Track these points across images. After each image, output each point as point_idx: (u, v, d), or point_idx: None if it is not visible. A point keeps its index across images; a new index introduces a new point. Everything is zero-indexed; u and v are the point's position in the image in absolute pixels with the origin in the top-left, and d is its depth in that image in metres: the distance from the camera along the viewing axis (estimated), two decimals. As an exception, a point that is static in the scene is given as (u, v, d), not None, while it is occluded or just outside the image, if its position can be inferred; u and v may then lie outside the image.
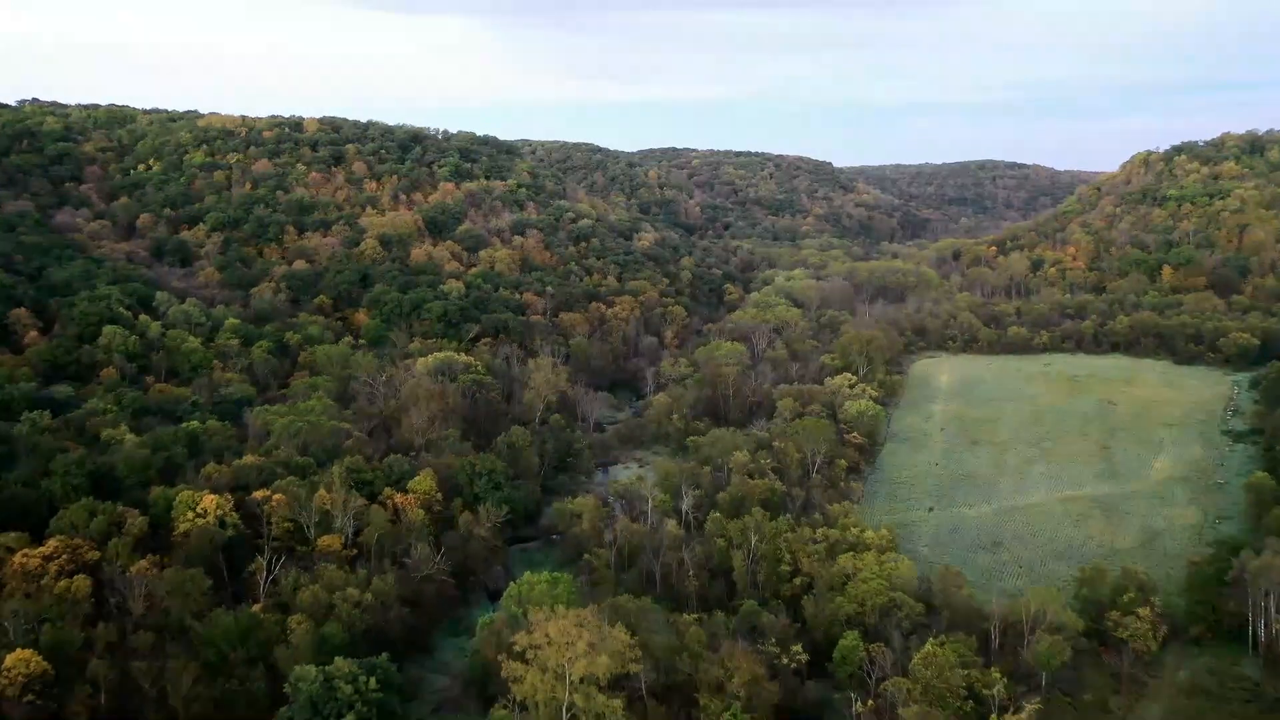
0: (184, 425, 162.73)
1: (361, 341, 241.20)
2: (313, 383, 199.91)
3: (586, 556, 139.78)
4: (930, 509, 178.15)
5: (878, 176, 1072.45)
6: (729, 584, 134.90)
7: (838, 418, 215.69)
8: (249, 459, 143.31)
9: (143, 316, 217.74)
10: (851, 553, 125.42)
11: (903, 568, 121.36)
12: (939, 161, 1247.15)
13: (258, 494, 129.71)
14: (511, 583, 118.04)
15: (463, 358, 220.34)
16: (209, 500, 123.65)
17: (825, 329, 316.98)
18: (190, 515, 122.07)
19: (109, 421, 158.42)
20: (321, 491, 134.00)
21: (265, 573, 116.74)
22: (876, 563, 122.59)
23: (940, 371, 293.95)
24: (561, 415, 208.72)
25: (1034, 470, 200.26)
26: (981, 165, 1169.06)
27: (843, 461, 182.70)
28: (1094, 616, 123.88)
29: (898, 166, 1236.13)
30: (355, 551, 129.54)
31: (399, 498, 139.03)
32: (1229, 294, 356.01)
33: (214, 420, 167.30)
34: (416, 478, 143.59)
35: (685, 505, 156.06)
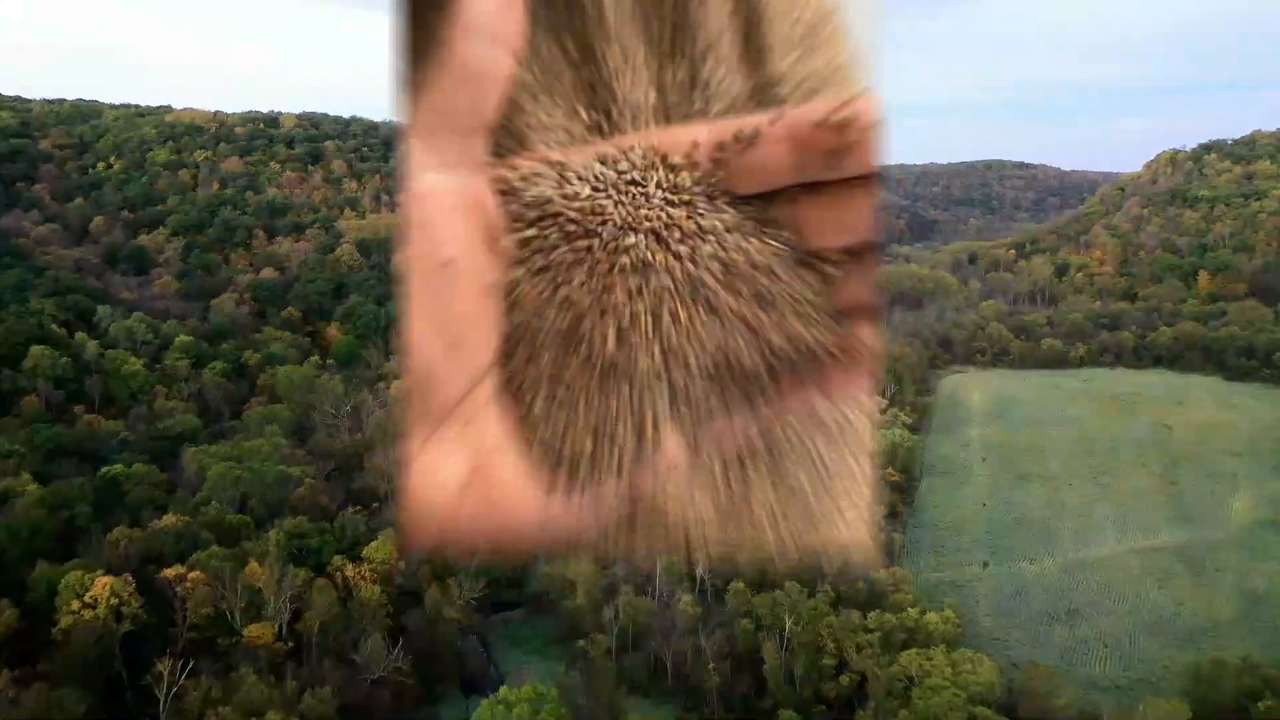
0: (104, 471, 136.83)
1: (330, 361, 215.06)
2: (268, 412, 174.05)
3: (581, 644, 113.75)
4: (985, 564, 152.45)
5: (882, 177, 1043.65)
6: (757, 678, 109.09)
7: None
8: (168, 519, 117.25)
9: (79, 334, 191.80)
10: (915, 650, 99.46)
11: (984, 672, 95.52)
12: (944, 161, 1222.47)
13: (168, 572, 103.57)
14: (484, 699, 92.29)
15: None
16: (102, 585, 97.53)
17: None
18: (76, 605, 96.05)
19: (11, 469, 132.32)
20: (253, 565, 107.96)
21: (167, 684, 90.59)
22: (947, 662, 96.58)
23: (971, 389, 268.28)
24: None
25: (1096, 513, 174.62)
26: (988, 165, 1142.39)
27: (881, 508, 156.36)
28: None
29: (901, 166, 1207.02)
30: (291, 645, 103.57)
31: (351, 569, 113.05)
32: (1274, 302, 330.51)
33: (142, 463, 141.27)
34: (374, 542, 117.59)
35: (700, 570, 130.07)
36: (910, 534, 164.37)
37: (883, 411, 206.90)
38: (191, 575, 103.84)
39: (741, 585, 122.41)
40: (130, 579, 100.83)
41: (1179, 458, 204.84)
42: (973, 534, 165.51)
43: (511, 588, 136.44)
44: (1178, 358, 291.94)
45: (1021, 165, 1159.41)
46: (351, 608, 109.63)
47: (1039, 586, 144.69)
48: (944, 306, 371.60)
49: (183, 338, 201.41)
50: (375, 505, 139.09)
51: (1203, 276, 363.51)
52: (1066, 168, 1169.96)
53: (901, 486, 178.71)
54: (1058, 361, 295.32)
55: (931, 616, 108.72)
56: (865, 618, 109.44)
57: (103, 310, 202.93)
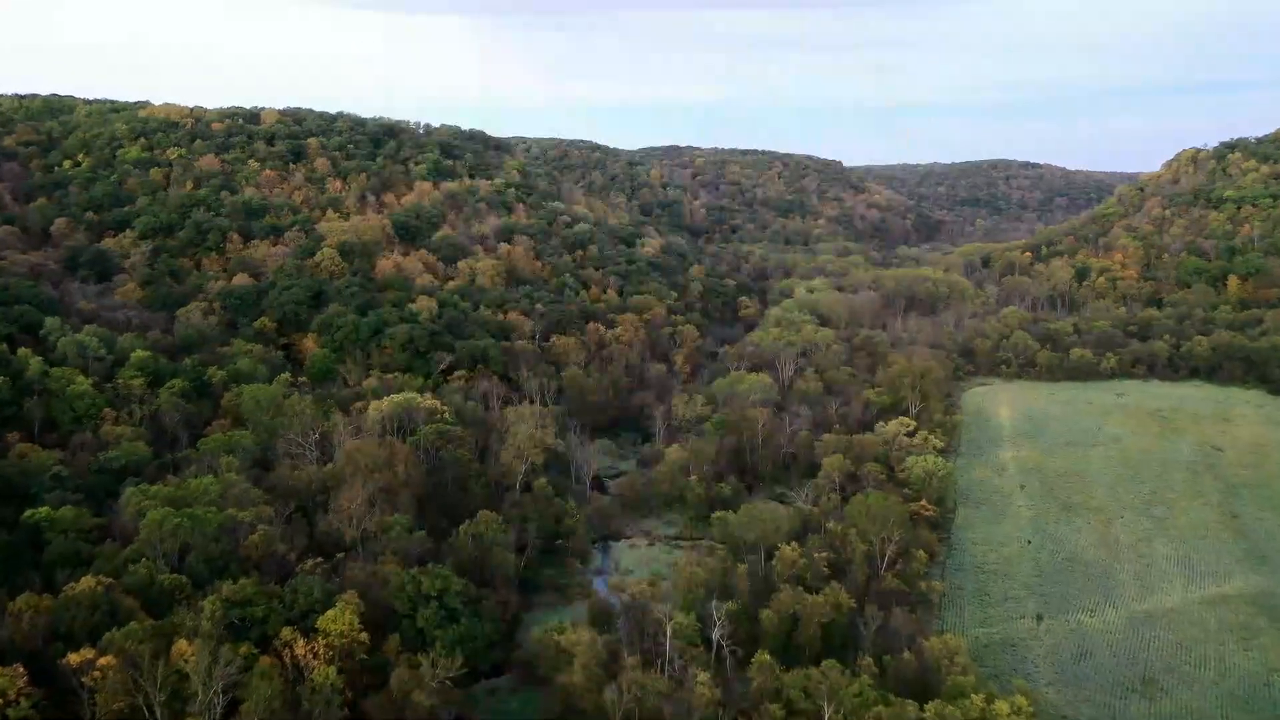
0: (27, 514, 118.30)
1: (303, 378, 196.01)
2: (228, 439, 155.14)
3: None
4: (1039, 618, 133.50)
5: (886, 176, 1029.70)
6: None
7: (896, 476, 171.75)
8: (86, 583, 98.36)
9: (23, 350, 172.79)
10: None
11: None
12: (948, 161, 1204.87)
13: (73, 657, 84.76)
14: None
15: (426, 401, 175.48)
16: (-17, 679, 78.88)
17: (860, 351, 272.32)
18: (-51, 707, 77.49)
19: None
20: (181, 644, 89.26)
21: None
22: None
23: (998, 404, 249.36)
24: (549, 478, 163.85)
25: (1155, 552, 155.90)
26: (994, 165, 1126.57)
27: (922, 554, 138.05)
28: None
29: (905, 166, 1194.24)
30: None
31: (301, 645, 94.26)
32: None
33: (73, 506, 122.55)
34: (332, 610, 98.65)
35: (717, 633, 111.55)
36: (951, 577, 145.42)
37: (911, 434, 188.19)
38: (102, 661, 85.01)
39: (767, 657, 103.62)
40: (21, 670, 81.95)
41: (1236, 485, 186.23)
42: (1020, 578, 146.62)
43: (497, 648, 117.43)
44: (1215, 369, 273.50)
45: (1028, 165, 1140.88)
46: (301, 693, 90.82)
47: (1104, 646, 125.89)
48: (961, 313, 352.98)
49: (140, 352, 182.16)
50: (340, 555, 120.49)
51: (1232, 281, 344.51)
52: (1072, 167, 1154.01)
53: (937, 522, 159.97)
54: (1087, 373, 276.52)
55: (1000, 707, 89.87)
56: (922, 709, 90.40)
57: (51, 322, 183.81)
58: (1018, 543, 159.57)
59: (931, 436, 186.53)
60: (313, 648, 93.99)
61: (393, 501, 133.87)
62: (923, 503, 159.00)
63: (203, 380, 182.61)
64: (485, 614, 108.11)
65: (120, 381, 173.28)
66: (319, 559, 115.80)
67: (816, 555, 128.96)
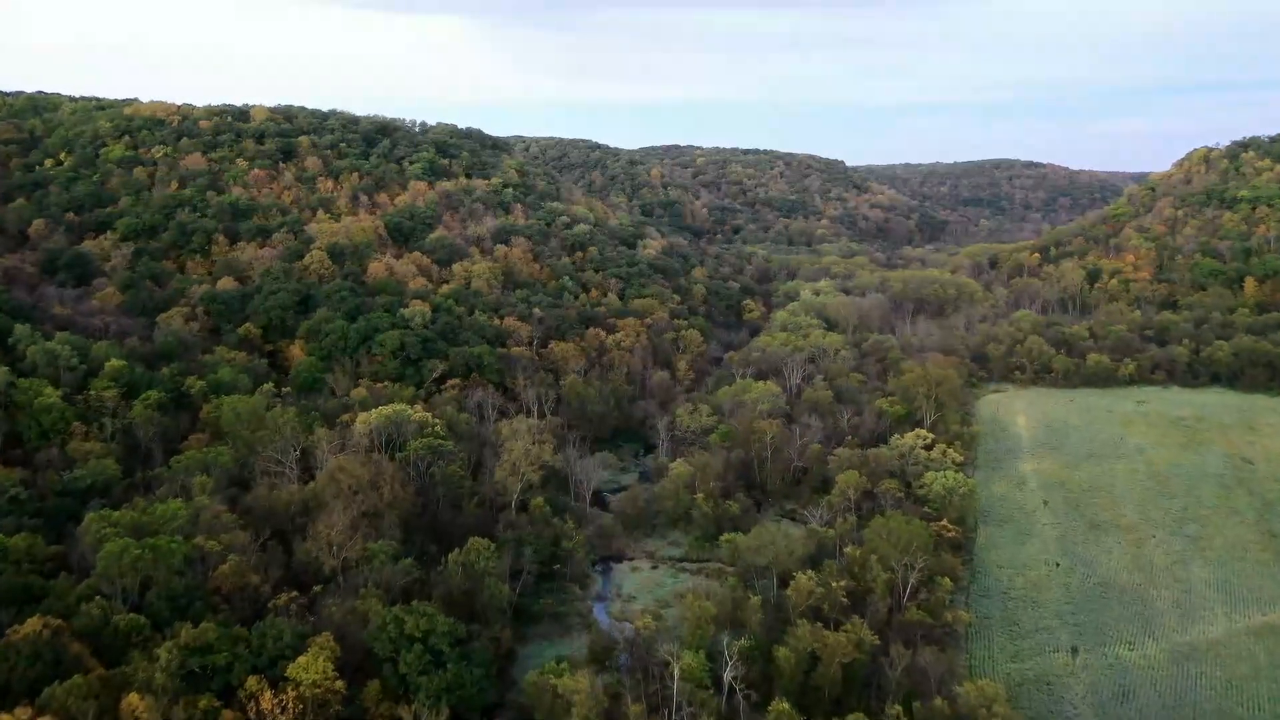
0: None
1: (288, 389, 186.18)
2: (205, 456, 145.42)
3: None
4: (1075, 650, 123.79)
5: (888, 176, 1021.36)
6: None
7: (913, 493, 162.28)
8: (30, 626, 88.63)
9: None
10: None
11: None
12: (950, 161, 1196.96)
13: (5, 719, 75.11)
14: None
15: (416, 413, 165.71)
16: (-104, 750, 69.39)
17: (869, 357, 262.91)
18: None
19: None
20: (132, 698, 79.62)
21: None
22: None
23: (1014, 412, 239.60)
24: (545, 495, 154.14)
25: (1193, 576, 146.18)
26: (996, 164, 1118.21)
27: (946, 581, 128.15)
28: None
29: (908, 166, 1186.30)
30: (174, 821, 75.18)
31: (268, 698, 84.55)
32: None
33: (30, 532, 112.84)
34: (304, 657, 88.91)
35: (728, 674, 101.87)
36: (977, 606, 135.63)
37: (928, 447, 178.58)
38: (39, 721, 75.22)
39: (785, 705, 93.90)
40: (-57, 735, 72.31)
41: (1272, 501, 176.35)
42: (1051, 606, 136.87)
43: (489, 689, 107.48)
44: (1237, 375, 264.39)
45: (1031, 165, 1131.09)
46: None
47: (1148, 684, 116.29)
48: (971, 316, 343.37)
49: (115, 361, 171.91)
50: (317, 589, 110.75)
51: (1249, 283, 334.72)
52: (1075, 167, 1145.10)
53: (959, 543, 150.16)
54: (1104, 379, 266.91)
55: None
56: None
57: (21, 330, 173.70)
58: (1045, 565, 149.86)
59: (950, 450, 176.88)
60: (281, 700, 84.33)
61: (377, 525, 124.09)
62: (944, 523, 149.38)
63: (181, 391, 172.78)
64: (475, 656, 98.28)
65: (92, 393, 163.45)
66: (294, 592, 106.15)
67: (835, 584, 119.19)
